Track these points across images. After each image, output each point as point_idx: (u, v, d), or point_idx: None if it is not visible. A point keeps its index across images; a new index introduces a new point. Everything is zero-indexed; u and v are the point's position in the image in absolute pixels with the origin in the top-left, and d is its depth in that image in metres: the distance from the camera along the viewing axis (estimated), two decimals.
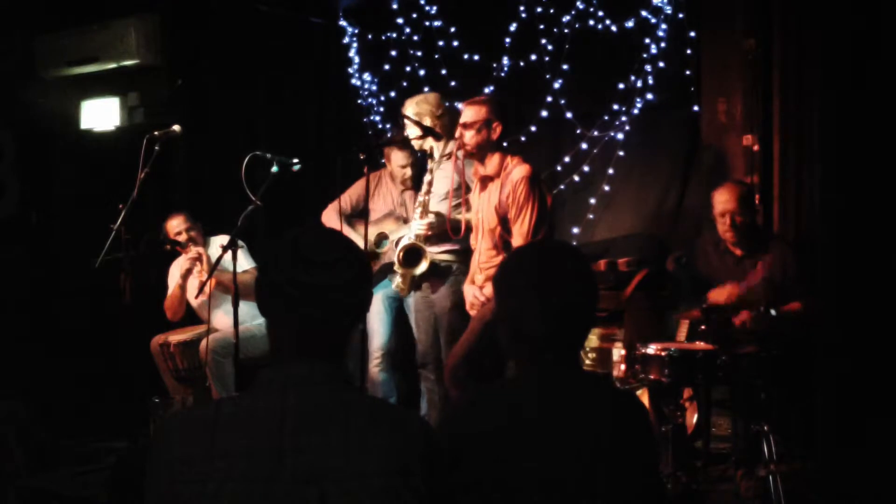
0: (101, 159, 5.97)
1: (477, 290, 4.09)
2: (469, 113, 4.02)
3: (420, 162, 4.72)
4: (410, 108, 4.52)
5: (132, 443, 4.42)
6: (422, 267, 4.28)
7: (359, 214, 4.60)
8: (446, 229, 4.34)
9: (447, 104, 4.63)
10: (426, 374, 4.60)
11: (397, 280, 4.43)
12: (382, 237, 4.77)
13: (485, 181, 4.10)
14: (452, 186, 4.38)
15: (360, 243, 4.57)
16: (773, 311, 3.90)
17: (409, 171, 4.77)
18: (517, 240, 3.94)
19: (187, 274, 4.99)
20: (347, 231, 4.53)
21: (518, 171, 3.94)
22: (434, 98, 4.61)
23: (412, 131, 4.47)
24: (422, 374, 4.64)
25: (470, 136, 4.00)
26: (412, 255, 4.30)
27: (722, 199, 4.15)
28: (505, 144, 4.07)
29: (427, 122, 4.44)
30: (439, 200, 4.42)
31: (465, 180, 4.29)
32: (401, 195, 4.85)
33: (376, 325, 4.73)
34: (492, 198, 4.03)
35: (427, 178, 4.29)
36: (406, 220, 4.74)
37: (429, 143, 4.45)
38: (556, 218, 4.55)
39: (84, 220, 5.84)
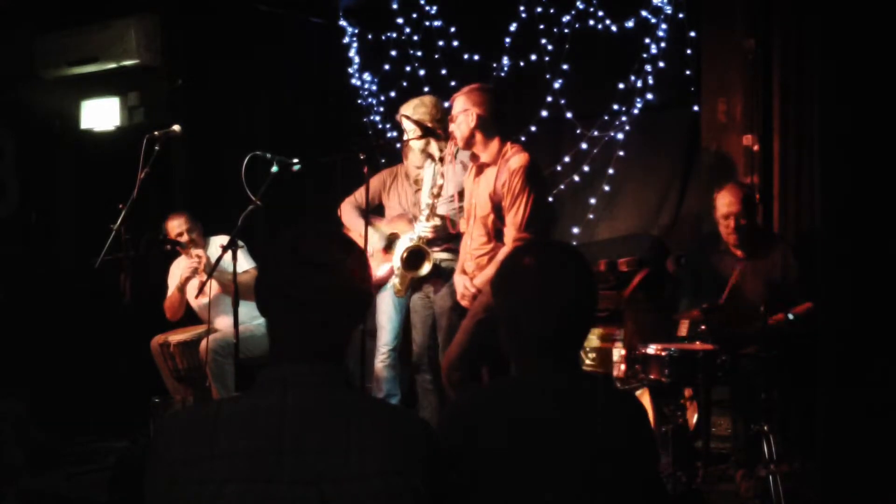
0: (101, 159, 5.97)
1: (467, 281, 3.98)
2: (454, 108, 3.99)
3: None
4: (409, 110, 4.49)
5: (132, 443, 4.43)
6: (425, 269, 4.27)
7: (373, 211, 4.60)
8: (449, 232, 4.33)
9: (446, 105, 4.62)
10: (422, 375, 4.58)
11: (395, 281, 4.43)
12: (394, 237, 4.74)
13: (481, 167, 4.00)
14: (457, 189, 4.37)
15: (377, 241, 4.61)
16: (790, 316, 3.90)
17: (423, 173, 4.77)
18: (510, 230, 3.85)
19: (188, 279, 4.98)
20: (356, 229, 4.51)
21: (516, 159, 3.83)
22: (432, 100, 4.58)
23: (413, 133, 4.45)
24: (417, 376, 4.62)
25: (454, 130, 3.97)
26: (415, 256, 4.28)
27: (725, 202, 4.15)
28: (501, 130, 3.96)
29: (427, 124, 4.42)
30: (444, 202, 4.41)
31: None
32: (415, 195, 4.82)
33: (385, 322, 4.70)
34: (487, 184, 3.93)
35: (439, 181, 4.25)
36: None
37: (432, 145, 4.44)
38: (556, 217, 4.53)
39: (84, 220, 5.85)
